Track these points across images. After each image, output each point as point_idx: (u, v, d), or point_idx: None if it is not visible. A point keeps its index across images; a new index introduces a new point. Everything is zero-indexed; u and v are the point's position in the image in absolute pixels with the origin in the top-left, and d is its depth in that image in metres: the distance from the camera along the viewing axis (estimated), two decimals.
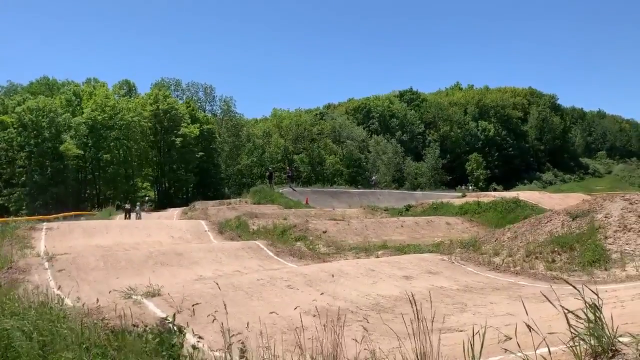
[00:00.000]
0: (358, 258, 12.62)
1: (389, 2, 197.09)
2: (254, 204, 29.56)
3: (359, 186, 47.20)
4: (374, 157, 65.17)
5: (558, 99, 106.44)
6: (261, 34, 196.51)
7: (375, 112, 79.69)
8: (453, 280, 9.24)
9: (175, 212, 30.86)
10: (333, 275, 7.94)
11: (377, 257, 12.58)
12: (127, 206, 30.80)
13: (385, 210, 27.30)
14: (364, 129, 72.84)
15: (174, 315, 4.51)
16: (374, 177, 52.29)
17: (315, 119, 72.98)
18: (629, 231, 11.61)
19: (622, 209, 12.59)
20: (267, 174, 41.60)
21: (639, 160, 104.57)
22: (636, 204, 12.92)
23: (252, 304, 6.83)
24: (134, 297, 7.05)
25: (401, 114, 80.00)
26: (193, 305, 6.33)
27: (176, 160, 52.18)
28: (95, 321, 5.11)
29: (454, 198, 32.36)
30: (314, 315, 6.18)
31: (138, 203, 35.11)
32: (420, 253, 12.49)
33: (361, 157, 64.57)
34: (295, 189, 37.35)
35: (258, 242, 14.53)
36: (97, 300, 6.09)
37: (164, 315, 5.53)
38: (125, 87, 63.10)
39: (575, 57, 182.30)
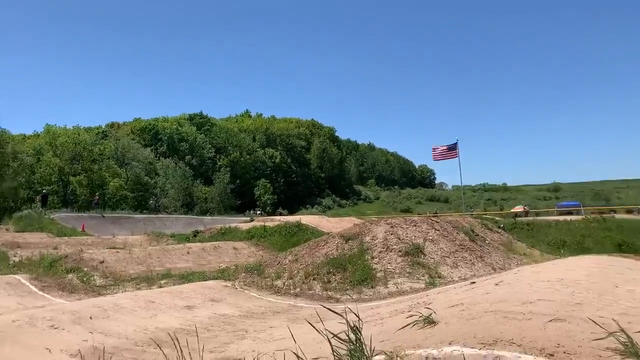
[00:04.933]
0: (139, 289, 11.89)
1: (180, 23, 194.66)
2: (18, 231, 25.85)
3: (145, 211, 44.89)
4: (163, 181, 62.89)
5: (336, 131, 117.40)
6: (34, 40, 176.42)
7: (164, 134, 77.45)
8: (236, 306, 9.29)
9: None
10: (105, 310, 7.31)
11: (160, 287, 12.03)
12: None
13: (171, 236, 26.49)
14: (151, 151, 70.02)
15: None
16: (151, 201, 50.10)
17: (96, 138, 67.76)
18: (391, 251, 13.14)
19: (385, 232, 14.24)
20: (40, 197, 36.97)
21: (400, 188, 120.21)
22: (396, 227, 14.74)
23: (3, 350, 5.89)
24: None
25: (191, 138, 79.12)
26: None
27: None
28: None
29: (242, 223, 32.92)
30: (81, 358, 5.59)
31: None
32: (205, 280, 12.32)
33: (148, 180, 61.71)
34: (104, 215, 34.18)
35: (19, 277, 12.69)
36: None
37: None
38: None
39: (351, 94, 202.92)
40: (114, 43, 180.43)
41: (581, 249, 18.57)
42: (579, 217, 31.63)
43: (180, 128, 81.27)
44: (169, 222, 36.85)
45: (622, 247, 18.40)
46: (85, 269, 14.42)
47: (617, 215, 34.03)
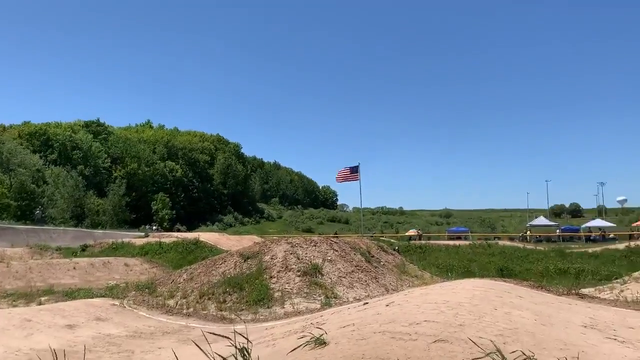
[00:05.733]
0: (14, 306, 10.91)
1: (79, 19, 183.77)
2: None
3: (29, 222, 41.44)
4: (52, 190, 58.50)
5: (242, 147, 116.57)
6: None
7: (56, 141, 72.47)
8: (123, 326, 8.80)
9: None
10: None
11: (40, 304, 11.12)
12: None
13: (57, 250, 24.73)
14: (40, 157, 65.09)
15: None
16: (37, 212, 46.40)
17: None
18: (289, 271, 13.15)
19: (285, 251, 14.23)
20: None
21: (303, 208, 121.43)
22: (297, 246, 14.80)
23: None
24: None
25: (85, 146, 74.62)
26: None
27: None
28: None
29: (136, 238, 31.49)
30: None
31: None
32: (91, 298, 11.58)
33: (35, 189, 57.10)
34: None
35: None
36: None
37: None
38: None
39: (258, 111, 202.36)
40: (1, 35, 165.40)
41: (467, 273, 19.75)
42: (466, 243, 33.82)
43: (74, 135, 76.26)
44: (56, 234, 34.31)
45: (503, 272, 19.84)
46: None
47: (501, 242, 36.84)
